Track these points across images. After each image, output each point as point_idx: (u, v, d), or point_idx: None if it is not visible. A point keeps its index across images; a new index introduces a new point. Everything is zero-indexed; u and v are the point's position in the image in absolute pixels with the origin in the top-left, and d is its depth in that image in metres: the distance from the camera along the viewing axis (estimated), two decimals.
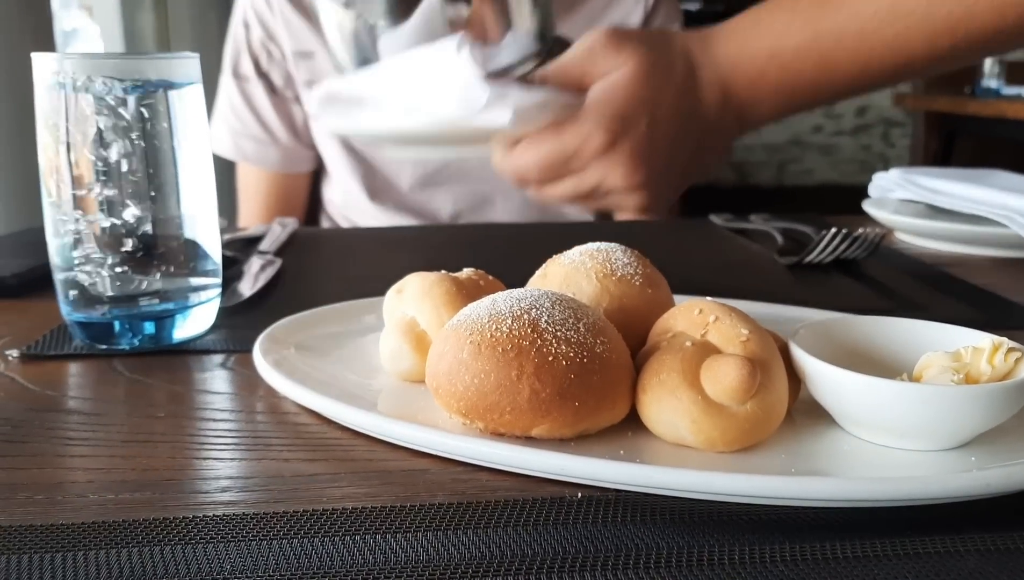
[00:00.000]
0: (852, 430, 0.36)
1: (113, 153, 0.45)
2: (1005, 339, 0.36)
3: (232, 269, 0.62)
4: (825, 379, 0.35)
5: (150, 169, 0.46)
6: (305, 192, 1.06)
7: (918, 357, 0.37)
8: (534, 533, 0.30)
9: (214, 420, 0.40)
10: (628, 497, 0.32)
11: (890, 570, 0.28)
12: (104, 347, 0.47)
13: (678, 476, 0.32)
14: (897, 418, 0.34)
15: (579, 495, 0.33)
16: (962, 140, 3.05)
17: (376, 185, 1.01)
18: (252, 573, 0.28)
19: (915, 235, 0.76)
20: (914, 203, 0.82)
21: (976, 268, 0.69)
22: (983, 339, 0.37)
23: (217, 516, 0.31)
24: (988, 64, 2.91)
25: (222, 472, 0.35)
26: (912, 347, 0.38)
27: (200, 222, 0.48)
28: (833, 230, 0.63)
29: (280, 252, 0.69)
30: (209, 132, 0.49)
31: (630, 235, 0.86)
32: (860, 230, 0.65)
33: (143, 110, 0.45)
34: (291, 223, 0.78)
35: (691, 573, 0.28)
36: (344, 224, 1.06)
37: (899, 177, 0.85)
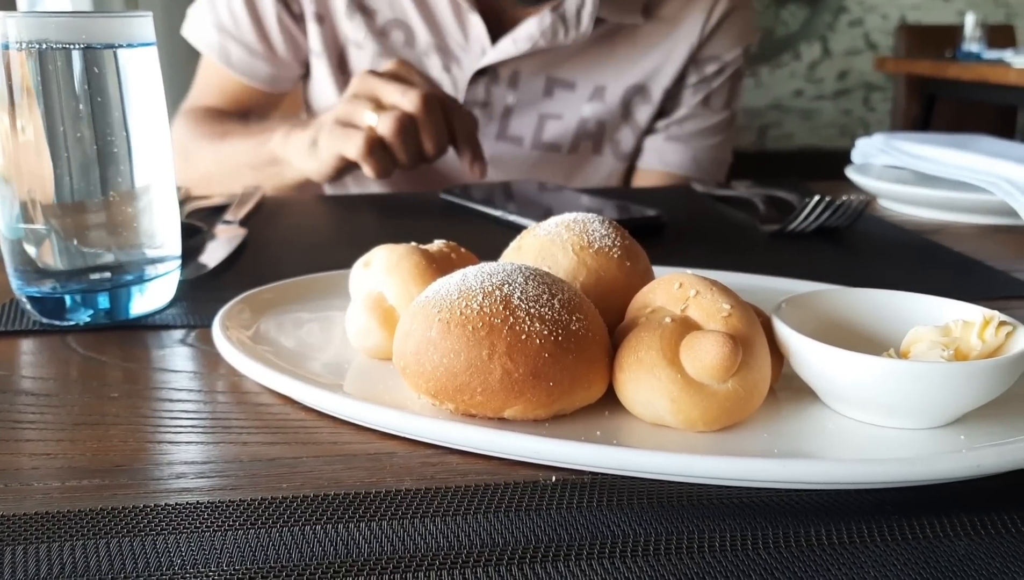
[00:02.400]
0: (837, 407, 0.34)
1: (60, 118, 0.42)
2: (996, 313, 0.34)
3: (195, 239, 0.59)
4: (809, 355, 0.33)
5: (99, 135, 0.43)
6: (272, 110, 1.01)
7: (906, 331, 0.36)
8: (505, 520, 0.29)
9: (170, 401, 0.38)
10: (605, 480, 0.31)
11: (877, 556, 0.27)
12: (57, 323, 0.45)
13: (656, 459, 0.30)
14: (884, 396, 0.32)
15: (553, 479, 0.31)
16: (942, 104, 3.05)
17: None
18: (205, 567, 0.26)
19: (899, 202, 0.75)
20: (897, 169, 0.80)
21: (961, 236, 0.68)
22: (973, 312, 0.35)
23: (169, 505, 0.29)
24: (969, 28, 2.90)
25: (177, 457, 0.33)
26: (900, 320, 0.37)
27: (155, 190, 0.46)
28: (816, 198, 0.62)
29: (246, 221, 0.67)
30: (159, 94, 0.46)
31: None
32: (843, 198, 0.63)
33: (91, 72, 0.42)
34: (258, 190, 0.75)
35: (669, 562, 0.27)
36: None
37: (882, 143, 0.84)
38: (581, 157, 0.97)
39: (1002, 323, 0.34)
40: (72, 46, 0.42)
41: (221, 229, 0.62)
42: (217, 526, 0.28)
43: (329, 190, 0.97)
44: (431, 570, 0.26)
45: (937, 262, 0.60)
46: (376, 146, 0.71)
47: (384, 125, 0.70)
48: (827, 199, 0.61)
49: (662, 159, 0.99)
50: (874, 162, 0.83)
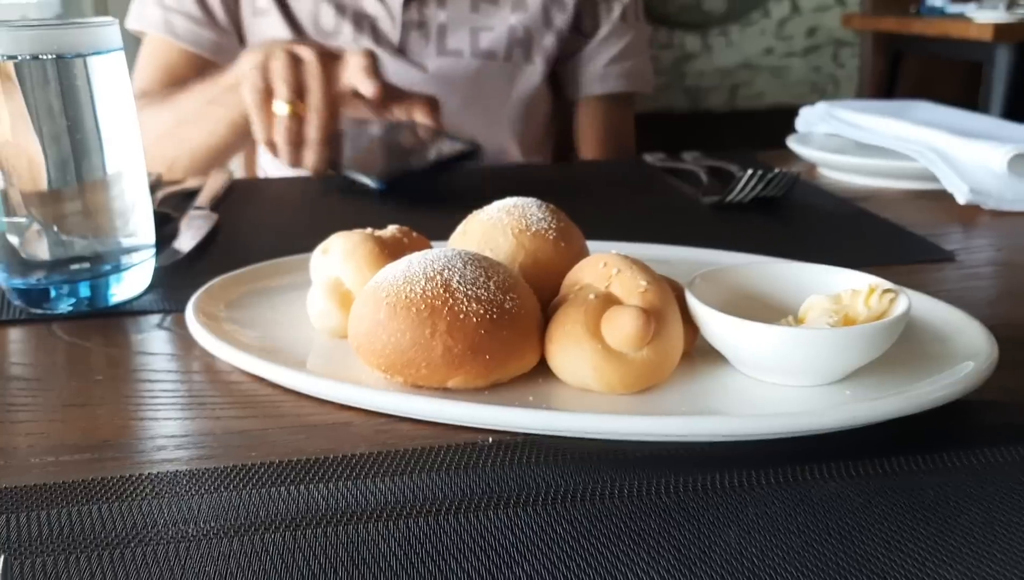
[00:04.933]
0: (742, 369, 0.39)
1: (36, 123, 0.45)
2: (881, 281, 0.39)
3: (168, 227, 0.63)
4: (715, 325, 0.38)
5: (73, 136, 0.46)
6: None
7: (805, 299, 0.40)
8: (447, 478, 0.33)
9: (150, 381, 0.42)
10: (535, 440, 0.35)
11: (760, 498, 0.31)
12: (41, 312, 0.49)
13: (577, 419, 0.35)
14: (780, 359, 0.37)
15: (490, 440, 0.36)
16: (909, 60, 3.08)
17: None
18: (184, 526, 0.30)
19: (835, 170, 0.80)
20: (837, 137, 0.84)
21: (889, 201, 0.72)
22: (862, 281, 0.40)
23: (152, 474, 0.34)
24: None
25: (157, 432, 0.37)
26: (799, 289, 0.41)
27: (128, 184, 0.49)
28: (751, 171, 0.66)
29: (216, 207, 0.70)
30: (127, 93, 0.49)
31: (562, 179, 0.88)
32: (777, 169, 0.67)
33: (64, 79, 0.46)
34: (227, 175, 0.79)
35: (585, 508, 0.31)
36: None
37: (824, 112, 0.88)
38: (515, 65, 1.05)
39: (886, 291, 0.38)
40: (44, 55, 0.45)
41: (192, 215, 0.66)
42: (194, 491, 0.32)
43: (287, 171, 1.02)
44: (380, 521, 0.30)
45: (864, 230, 0.64)
46: (282, 137, 0.77)
47: (283, 134, 0.77)
48: (760, 171, 0.66)
49: (604, 84, 1.07)
50: (816, 131, 0.87)
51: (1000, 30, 2.38)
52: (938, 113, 0.87)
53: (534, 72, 1.05)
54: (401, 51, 1.00)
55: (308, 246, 0.51)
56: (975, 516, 0.30)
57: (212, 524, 0.30)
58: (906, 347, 0.40)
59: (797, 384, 0.38)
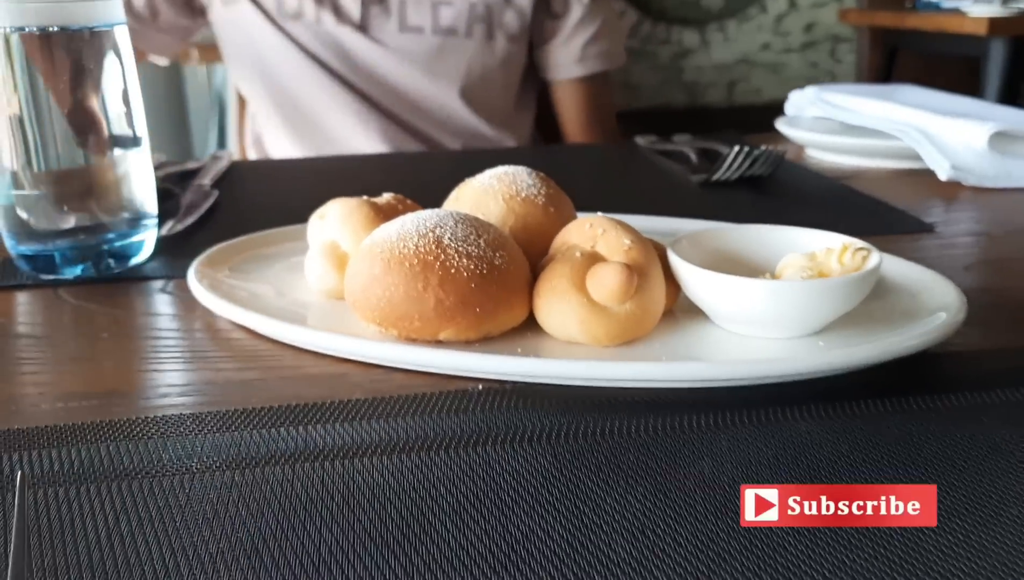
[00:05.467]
0: (721, 323, 0.41)
1: (43, 95, 0.47)
2: (854, 240, 0.41)
3: (169, 202, 0.65)
4: (694, 280, 0.40)
5: (79, 109, 0.48)
6: None
7: (782, 259, 0.42)
8: (438, 419, 0.35)
9: (154, 338, 0.44)
10: (523, 388, 0.37)
11: (733, 437, 0.33)
12: (49, 278, 0.51)
13: (563, 367, 0.37)
14: (756, 312, 0.39)
15: (480, 387, 0.37)
16: (905, 55, 3.09)
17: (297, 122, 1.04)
18: (188, 461, 0.32)
19: (822, 150, 0.81)
20: (825, 120, 0.86)
21: (874, 180, 0.74)
22: (836, 241, 0.41)
23: (157, 417, 0.35)
24: None
25: (161, 381, 0.39)
26: (777, 250, 0.43)
27: (133, 157, 0.51)
28: (737, 148, 0.68)
29: (216, 184, 0.72)
30: (131, 67, 0.51)
31: (558, 160, 0.90)
32: (763, 147, 0.69)
33: (70, 53, 0.47)
34: (227, 155, 0.80)
35: (568, 444, 0.33)
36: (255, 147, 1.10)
37: (814, 95, 0.90)
38: (477, 42, 1.06)
39: (859, 249, 0.40)
40: (52, 29, 0.46)
41: (193, 191, 0.67)
42: (197, 430, 0.34)
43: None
44: (374, 456, 0.32)
45: (847, 205, 0.66)
46: None
47: None
48: (747, 149, 0.67)
49: (584, 66, 1.10)
50: (805, 114, 0.89)
51: (995, 24, 2.40)
52: (923, 95, 0.89)
53: (495, 49, 1.07)
54: (363, 28, 1.01)
55: (305, 219, 0.53)
56: (936, 451, 0.32)
57: (214, 459, 0.32)
58: (879, 304, 0.42)
59: (773, 336, 0.40)
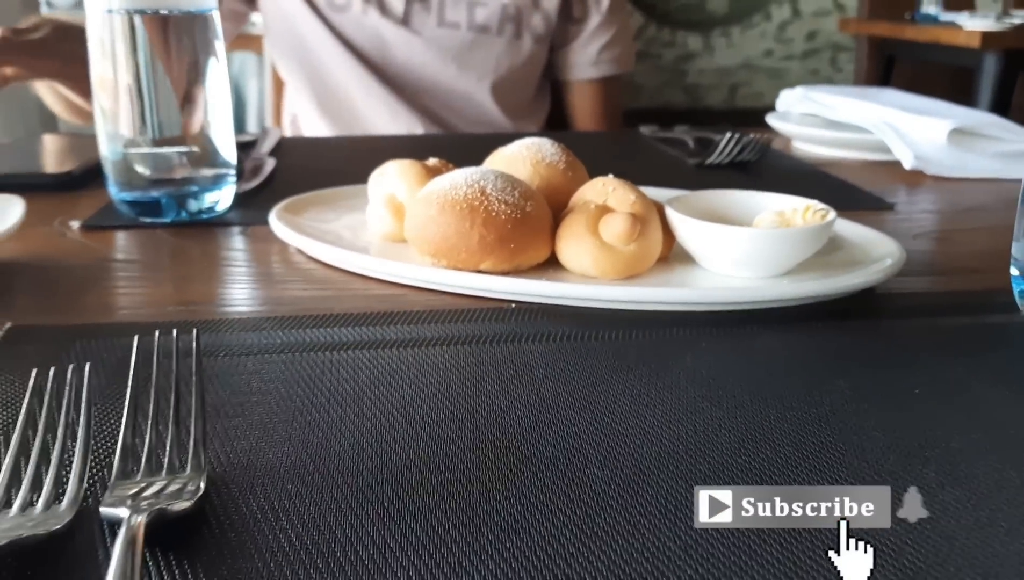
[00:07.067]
0: (706, 265, 0.51)
1: (149, 68, 0.57)
2: (815, 201, 0.51)
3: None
4: (685, 228, 0.49)
5: (178, 80, 0.58)
6: None
7: (757, 216, 0.52)
8: (480, 324, 0.45)
9: (236, 266, 0.54)
10: (547, 307, 0.47)
11: (708, 342, 0.43)
12: (149, 220, 0.60)
13: (577, 289, 0.47)
14: (734, 254, 0.48)
15: (513, 305, 0.47)
16: (901, 66, 3.20)
17: (329, 104, 1.14)
18: (258, 349, 0.41)
19: (806, 142, 0.91)
20: (812, 116, 0.96)
21: (849, 168, 0.84)
22: (801, 203, 0.51)
23: (233, 318, 0.45)
24: None
25: (242, 296, 0.49)
26: (754, 210, 0.53)
27: (220, 124, 0.61)
28: (728, 134, 0.78)
29: (272, 154, 0.82)
30: (221, 48, 0.61)
31: (569, 145, 1.00)
32: (751, 135, 0.79)
33: (177, 33, 0.57)
34: (276, 132, 0.90)
35: (581, 344, 0.43)
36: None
37: (801, 94, 1.00)
38: (506, 40, 1.16)
39: (818, 210, 0.50)
40: (161, 11, 0.56)
41: (254, 159, 0.77)
42: (270, 327, 0.44)
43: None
44: (436, 346, 0.42)
45: (822, 185, 0.76)
46: None
47: None
48: (736, 136, 0.77)
49: (598, 69, 1.21)
50: (793, 111, 0.99)
51: (988, 38, 2.50)
52: (898, 97, 0.99)
53: (522, 47, 1.17)
54: (405, 22, 1.12)
55: (355, 184, 0.63)
56: (874, 353, 0.42)
57: (283, 348, 0.41)
58: (837, 255, 0.52)
59: (748, 275, 0.49)
